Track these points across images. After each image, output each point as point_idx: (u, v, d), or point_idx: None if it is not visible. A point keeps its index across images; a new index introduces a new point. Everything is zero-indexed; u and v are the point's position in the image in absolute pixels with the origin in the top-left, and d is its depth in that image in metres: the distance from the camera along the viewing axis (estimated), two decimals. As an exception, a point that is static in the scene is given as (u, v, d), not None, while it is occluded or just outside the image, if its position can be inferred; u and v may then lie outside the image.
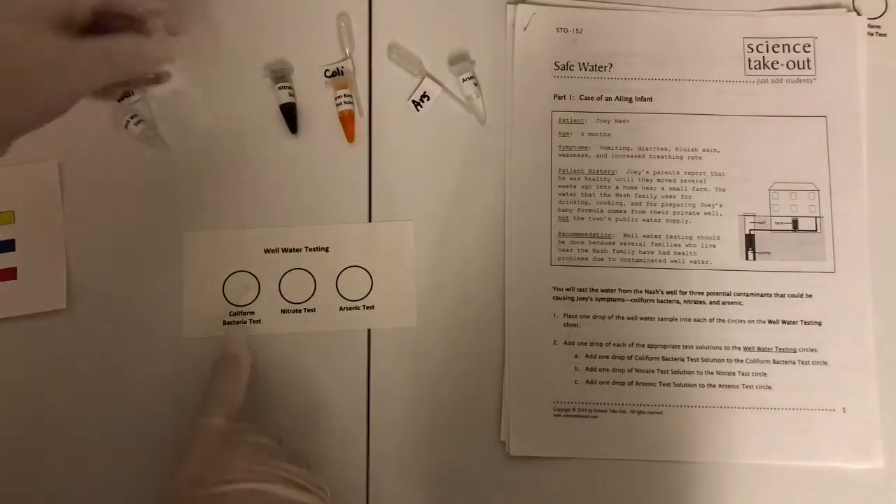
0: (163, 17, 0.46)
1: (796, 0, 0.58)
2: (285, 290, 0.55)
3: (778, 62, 0.57)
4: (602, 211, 0.55)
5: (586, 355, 0.53)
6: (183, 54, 0.50)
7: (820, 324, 0.53)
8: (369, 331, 0.54)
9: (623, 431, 0.52)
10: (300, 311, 0.54)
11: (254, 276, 0.55)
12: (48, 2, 0.40)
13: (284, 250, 0.55)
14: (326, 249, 0.55)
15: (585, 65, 0.57)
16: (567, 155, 0.56)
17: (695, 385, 0.53)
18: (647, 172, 0.55)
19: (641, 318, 0.54)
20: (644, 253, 0.55)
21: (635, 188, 0.55)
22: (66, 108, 0.42)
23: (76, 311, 0.54)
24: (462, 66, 0.57)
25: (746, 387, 0.53)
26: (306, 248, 0.55)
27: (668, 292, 0.54)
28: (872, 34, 0.57)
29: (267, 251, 0.55)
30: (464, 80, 0.56)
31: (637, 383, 0.53)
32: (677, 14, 0.58)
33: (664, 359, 0.53)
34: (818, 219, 0.55)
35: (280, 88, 0.56)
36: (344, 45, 0.57)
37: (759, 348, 0.53)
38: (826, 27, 0.57)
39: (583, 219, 0.55)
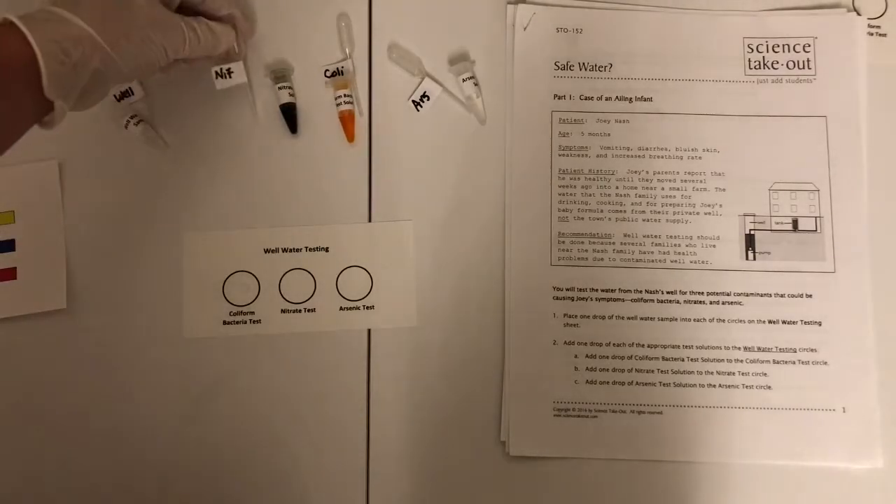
0: (236, 23, 0.54)
1: (796, 0, 0.58)
2: (285, 290, 0.55)
3: (778, 62, 0.57)
4: (602, 211, 0.55)
5: (586, 355, 0.53)
6: (244, 54, 0.56)
7: (820, 324, 0.53)
8: (369, 331, 0.54)
9: (623, 431, 0.52)
10: (300, 311, 0.54)
11: (254, 276, 0.55)
12: None
13: (284, 250, 0.55)
14: (326, 249, 0.55)
15: (585, 65, 0.57)
16: (567, 155, 0.56)
17: (695, 385, 0.53)
18: (647, 172, 0.55)
19: (641, 318, 0.54)
20: (644, 253, 0.55)
21: (635, 188, 0.55)
22: (160, 65, 0.48)
23: (76, 311, 0.54)
24: (462, 66, 0.57)
25: (746, 387, 0.53)
26: (306, 248, 0.55)
27: (668, 292, 0.54)
28: (872, 34, 0.57)
29: (267, 251, 0.55)
30: (464, 80, 0.56)
31: (637, 383, 0.53)
32: (677, 14, 0.58)
33: (664, 359, 0.53)
34: (818, 219, 0.55)
35: (280, 88, 0.56)
36: (344, 45, 0.57)
37: (759, 348, 0.53)
38: (826, 27, 0.57)
39: (583, 219, 0.55)
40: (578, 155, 0.56)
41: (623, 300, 0.54)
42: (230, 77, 0.55)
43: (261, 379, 0.53)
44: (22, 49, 0.40)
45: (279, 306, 0.54)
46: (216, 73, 0.55)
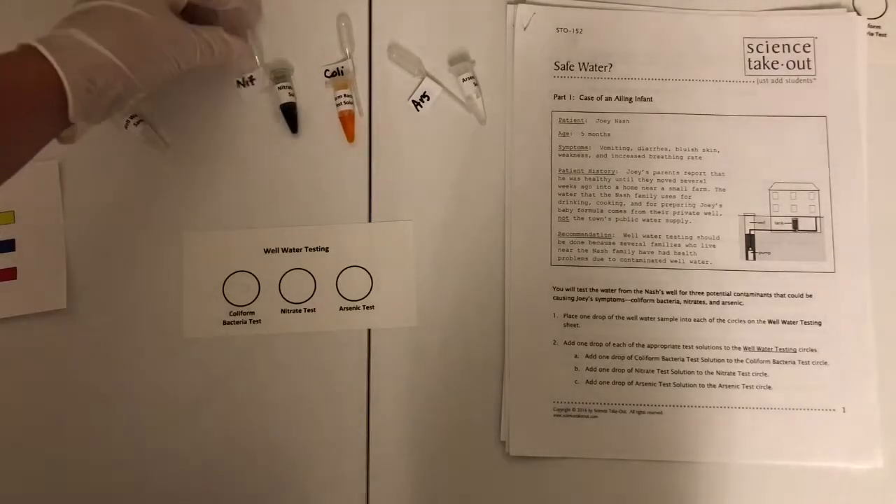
0: (242, 14, 0.54)
1: (796, 0, 0.58)
2: (285, 290, 0.54)
3: (778, 62, 0.57)
4: (602, 211, 0.55)
5: (586, 355, 0.53)
6: (258, 62, 0.57)
7: (820, 324, 0.53)
8: (369, 331, 0.54)
9: (623, 431, 0.52)
10: (300, 311, 0.54)
11: (254, 276, 0.55)
12: None
13: (284, 250, 0.55)
14: (326, 249, 0.55)
15: (585, 65, 0.57)
16: (567, 155, 0.56)
17: (695, 385, 0.53)
18: (647, 172, 0.55)
19: (641, 318, 0.54)
20: (644, 253, 0.55)
21: (635, 188, 0.55)
22: (173, 77, 0.47)
23: (76, 311, 0.54)
24: (462, 66, 0.57)
25: (746, 387, 0.53)
26: (306, 248, 0.55)
27: (668, 292, 0.54)
28: (872, 34, 0.57)
29: (267, 251, 0.55)
30: (464, 80, 0.56)
31: (637, 383, 0.53)
32: (677, 14, 0.58)
33: (664, 359, 0.53)
34: (818, 219, 0.55)
35: (280, 88, 0.56)
36: (344, 45, 0.57)
37: (759, 348, 0.53)
38: (826, 27, 0.57)
39: (583, 219, 0.55)
40: (578, 155, 0.56)
41: (623, 300, 0.54)
42: (252, 84, 0.56)
43: (260, 379, 0.53)
44: (46, 75, 0.40)
45: (279, 306, 0.54)
46: (238, 82, 0.56)
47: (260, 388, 0.53)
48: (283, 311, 0.54)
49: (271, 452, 0.53)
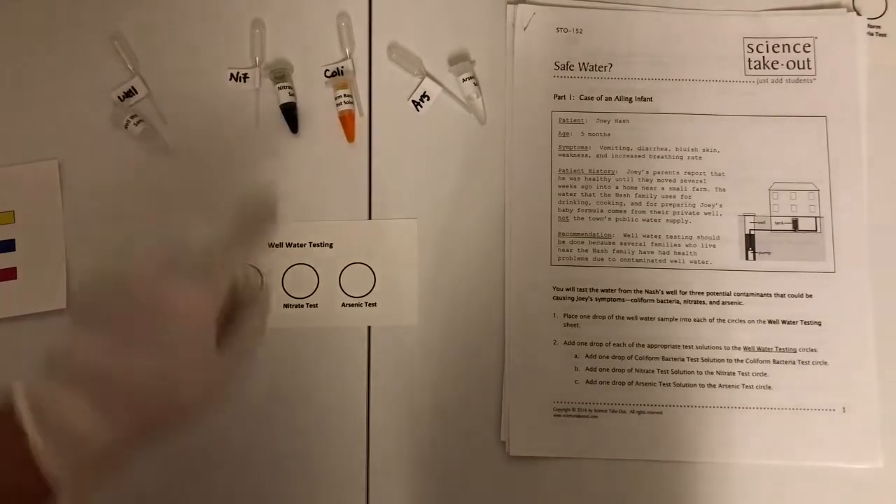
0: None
1: (796, 0, 0.58)
2: (288, 285, 0.54)
3: (778, 62, 0.57)
4: (602, 211, 0.55)
5: (586, 355, 0.53)
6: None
7: (820, 324, 0.53)
8: (370, 329, 0.54)
9: (623, 431, 0.52)
10: (302, 305, 0.54)
11: (257, 269, 0.55)
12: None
13: (289, 245, 0.55)
14: (331, 245, 0.55)
15: (585, 65, 0.57)
16: (567, 155, 0.56)
17: (695, 385, 0.53)
18: (647, 172, 0.55)
19: (641, 318, 0.54)
20: (644, 253, 0.55)
21: (635, 188, 0.55)
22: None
23: (76, 311, 0.54)
24: (462, 66, 0.57)
25: (746, 387, 0.53)
26: (310, 243, 0.55)
27: (668, 292, 0.54)
28: (872, 34, 0.57)
29: (271, 245, 0.55)
30: (464, 80, 0.56)
31: (637, 383, 0.53)
32: (677, 14, 0.58)
33: (664, 359, 0.53)
34: (818, 219, 0.55)
35: (280, 88, 0.56)
36: (344, 45, 0.57)
37: (759, 348, 0.53)
38: (826, 27, 0.57)
39: (583, 219, 0.55)
40: (578, 155, 0.56)
41: (623, 300, 0.54)
42: (244, 82, 0.57)
43: (260, 373, 0.53)
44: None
45: (282, 301, 0.54)
46: (231, 75, 0.56)
47: (260, 382, 0.53)
48: (285, 305, 0.54)
49: (270, 449, 0.53)
